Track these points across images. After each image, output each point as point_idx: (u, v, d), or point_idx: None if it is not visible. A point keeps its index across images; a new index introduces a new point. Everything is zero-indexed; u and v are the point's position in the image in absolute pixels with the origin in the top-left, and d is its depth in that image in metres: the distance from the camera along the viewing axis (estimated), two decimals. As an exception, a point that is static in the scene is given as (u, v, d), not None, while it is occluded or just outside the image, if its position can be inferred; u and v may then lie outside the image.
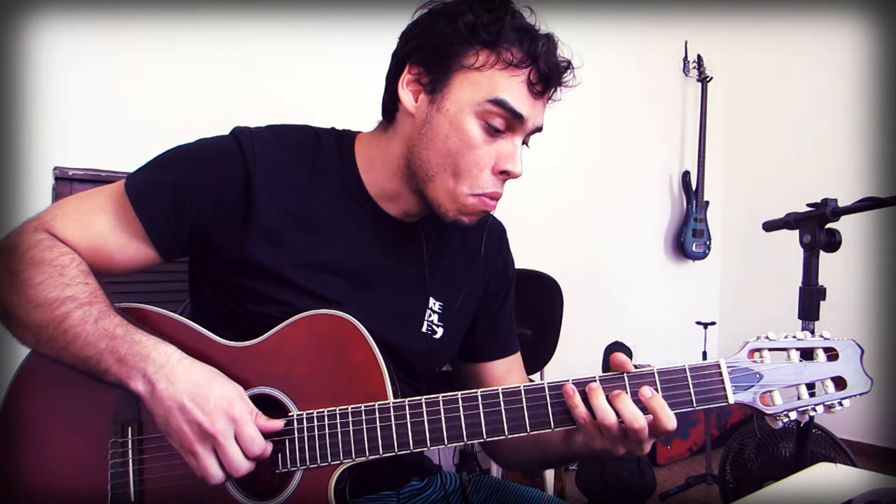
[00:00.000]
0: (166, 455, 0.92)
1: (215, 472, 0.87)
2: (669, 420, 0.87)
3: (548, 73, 0.98)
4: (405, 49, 1.02)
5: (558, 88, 1.02)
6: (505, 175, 1.00)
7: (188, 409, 0.86)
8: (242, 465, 0.88)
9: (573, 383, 0.90)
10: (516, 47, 0.96)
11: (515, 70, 0.96)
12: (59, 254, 0.94)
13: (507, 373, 1.20)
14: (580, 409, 0.89)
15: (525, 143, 1.03)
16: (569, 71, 1.01)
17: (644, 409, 0.88)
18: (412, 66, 1.01)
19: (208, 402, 0.87)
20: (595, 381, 0.90)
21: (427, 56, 0.99)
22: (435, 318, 1.10)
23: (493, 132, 0.98)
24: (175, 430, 0.87)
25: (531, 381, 1.22)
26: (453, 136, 0.97)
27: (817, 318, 1.60)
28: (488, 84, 0.96)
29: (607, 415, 0.88)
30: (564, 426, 0.90)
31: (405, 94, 1.01)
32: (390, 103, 1.05)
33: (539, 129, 1.03)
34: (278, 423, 0.91)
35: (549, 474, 2.59)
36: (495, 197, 1.02)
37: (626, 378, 0.90)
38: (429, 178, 1.00)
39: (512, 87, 0.96)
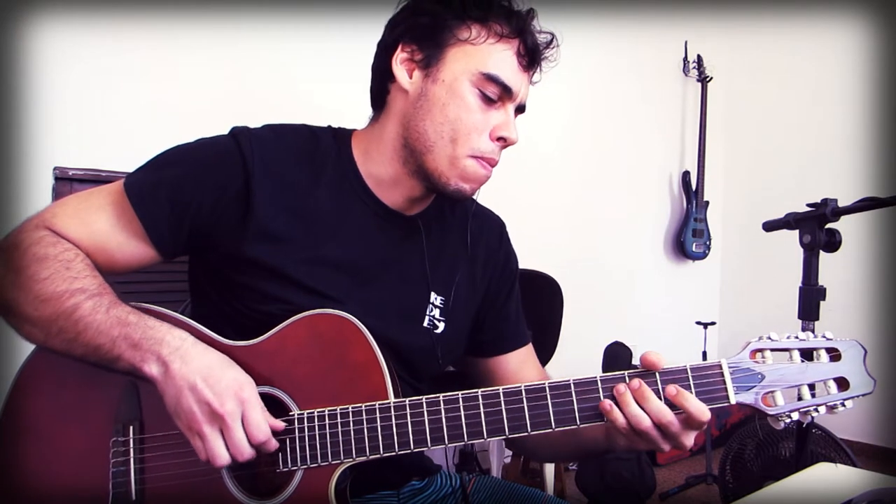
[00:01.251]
0: (168, 454, 0.92)
1: (221, 454, 0.87)
2: (701, 412, 0.88)
3: (534, 46, 1.04)
4: (396, 31, 1.05)
5: (541, 65, 1.07)
6: (502, 142, 1.04)
7: (199, 389, 0.87)
8: (247, 450, 0.88)
9: (574, 383, 0.91)
10: (503, 22, 1.02)
11: (506, 41, 1.02)
12: (63, 249, 0.95)
13: (522, 364, 1.21)
14: (620, 420, 0.89)
15: None
16: (553, 44, 1.06)
17: (673, 406, 0.88)
18: (405, 44, 1.04)
19: (219, 383, 0.88)
20: (625, 382, 0.90)
21: (419, 34, 1.03)
22: (436, 312, 1.11)
23: (487, 101, 1.02)
24: (185, 411, 0.88)
25: (547, 374, 1.22)
26: (451, 102, 1.01)
27: (817, 318, 1.60)
28: (482, 56, 1.01)
29: (642, 420, 0.88)
30: (566, 426, 0.90)
31: (399, 71, 1.04)
32: (380, 89, 1.08)
33: (523, 109, 1.07)
34: (279, 424, 0.91)
35: (549, 474, 2.58)
36: (492, 163, 1.05)
37: (626, 378, 0.90)
38: (427, 149, 1.02)
39: (504, 59, 1.01)
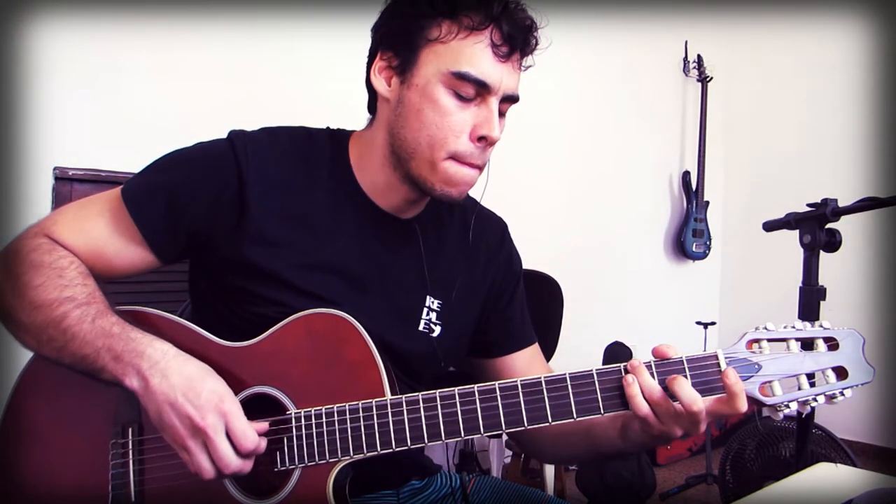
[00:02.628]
0: (167, 455, 0.92)
1: (208, 468, 0.87)
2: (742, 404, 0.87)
3: (511, 33, 0.97)
4: (375, 39, 1.04)
5: (527, 51, 1.02)
6: (483, 141, 1.00)
7: (180, 404, 0.87)
8: (233, 461, 0.87)
9: (571, 377, 0.90)
10: (474, 12, 0.96)
11: (477, 34, 0.96)
12: (58, 256, 0.96)
13: (529, 364, 1.20)
14: (639, 398, 0.88)
15: (502, 113, 1.02)
16: (532, 30, 1.01)
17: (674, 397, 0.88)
18: (383, 52, 1.02)
19: (199, 396, 0.87)
20: (639, 362, 0.90)
21: (394, 39, 1.01)
22: (433, 316, 1.10)
23: (464, 100, 0.98)
24: (168, 426, 0.88)
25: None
26: (425, 107, 0.98)
27: (817, 318, 1.59)
28: (451, 54, 0.96)
29: (654, 391, 0.88)
30: (562, 419, 0.90)
31: (378, 81, 1.03)
32: (371, 96, 1.07)
33: (514, 98, 1.03)
34: (262, 425, 0.91)
35: (549, 474, 2.58)
36: (473, 165, 1.01)
37: (623, 370, 0.90)
38: (409, 156, 1.01)
39: (475, 54, 0.96)
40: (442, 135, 0.98)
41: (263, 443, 0.90)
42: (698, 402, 0.87)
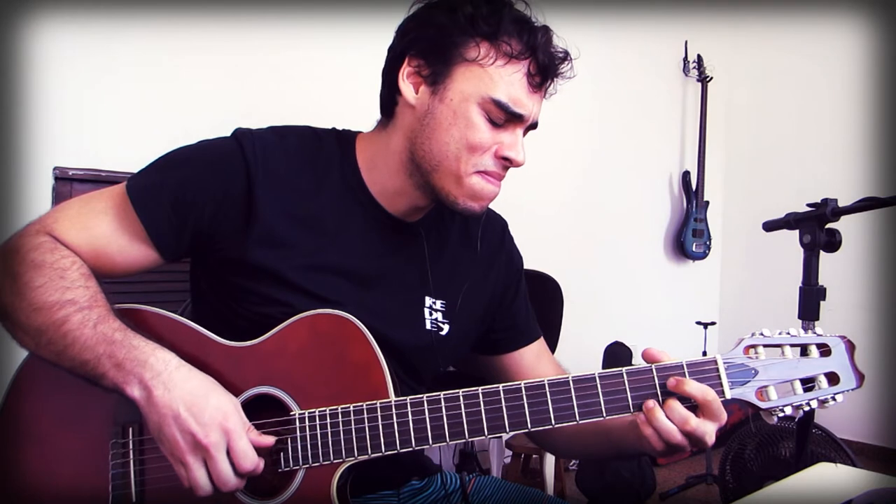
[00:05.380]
0: (167, 455, 0.92)
1: (203, 484, 0.87)
2: (704, 393, 0.89)
3: (546, 65, 0.99)
4: (403, 42, 1.03)
5: (555, 80, 1.04)
6: (507, 162, 1.01)
7: (183, 419, 0.86)
8: (231, 480, 0.87)
9: (574, 381, 0.91)
10: (515, 39, 0.97)
11: (515, 62, 0.98)
12: (60, 256, 0.94)
13: (537, 358, 1.21)
14: (654, 437, 0.90)
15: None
16: (566, 61, 1.02)
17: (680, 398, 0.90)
18: (412, 58, 1.01)
19: (203, 413, 0.87)
20: (654, 404, 0.91)
21: (427, 48, 1.00)
22: (438, 315, 1.10)
23: (493, 124, 0.99)
24: (168, 438, 0.87)
25: (562, 366, 1.24)
26: (457, 123, 0.98)
27: (817, 318, 1.60)
28: (489, 80, 0.97)
29: (673, 433, 0.90)
30: (566, 423, 0.91)
31: (406, 87, 1.02)
32: (388, 98, 1.06)
33: (535, 126, 1.04)
34: (269, 440, 0.91)
35: (550, 474, 2.58)
36: (498, 177, 1.03)
37: (624, 374, 0.91)
38: (433, 168, 1.01)
39: (513, 83, 0.98)
40: (470, 151, 0.99)
41: (261, 464, 0.90)
42: (710, 393, 0.89)
